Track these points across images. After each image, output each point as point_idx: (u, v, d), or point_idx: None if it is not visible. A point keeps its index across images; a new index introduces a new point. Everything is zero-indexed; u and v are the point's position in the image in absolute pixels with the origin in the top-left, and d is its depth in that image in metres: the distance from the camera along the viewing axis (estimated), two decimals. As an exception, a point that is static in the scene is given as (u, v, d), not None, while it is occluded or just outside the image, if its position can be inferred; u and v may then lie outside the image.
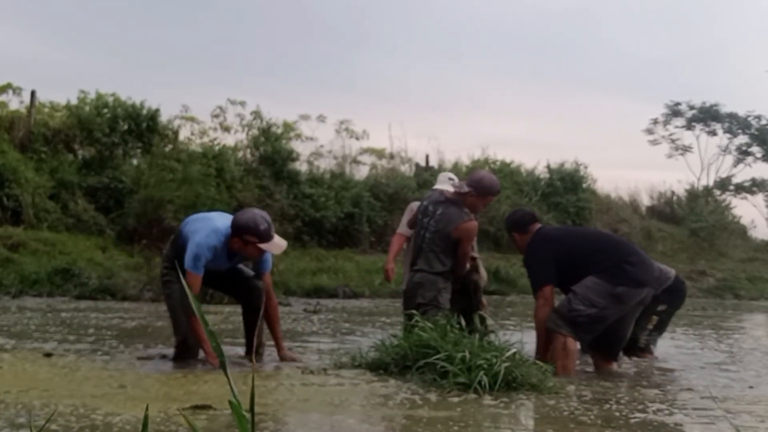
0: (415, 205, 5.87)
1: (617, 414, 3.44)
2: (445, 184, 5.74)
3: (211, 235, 4.40)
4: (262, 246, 4.39)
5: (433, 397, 3.63)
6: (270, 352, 4.88)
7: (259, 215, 4.43)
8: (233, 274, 4.78)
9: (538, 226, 4.95)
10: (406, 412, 3.32)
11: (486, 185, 5.19)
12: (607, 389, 4.13)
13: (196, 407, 3.16)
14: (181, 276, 3.79)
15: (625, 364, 5.16)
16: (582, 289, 4.53)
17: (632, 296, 4.58)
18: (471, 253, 5.17)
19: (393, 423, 3.17)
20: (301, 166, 15.96)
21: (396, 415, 3.27)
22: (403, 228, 5.85)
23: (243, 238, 4.37)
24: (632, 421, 3.32)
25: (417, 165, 18.22)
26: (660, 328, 5.68)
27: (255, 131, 15.85)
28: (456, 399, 3.59)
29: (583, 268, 4.60)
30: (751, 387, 4.41)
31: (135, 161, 14.03)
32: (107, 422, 2.89)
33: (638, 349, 5.52)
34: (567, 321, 4.51)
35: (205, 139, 15.58)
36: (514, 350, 4.07)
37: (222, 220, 4.53)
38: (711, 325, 9.41)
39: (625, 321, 4.71)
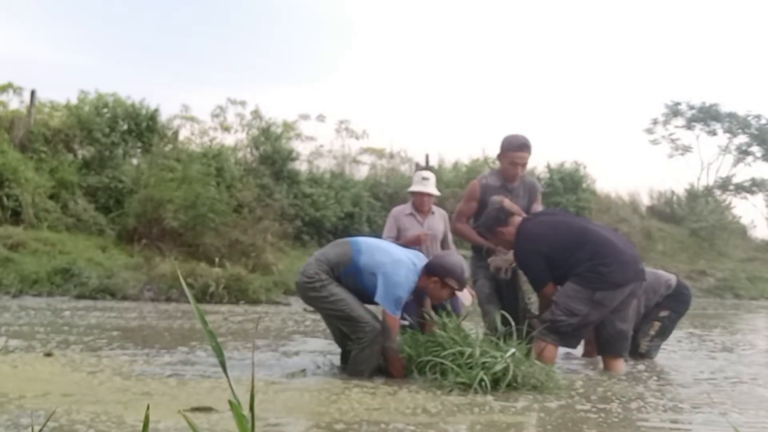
0: (396, 212, 5.74)
1: (682, 416, 3.47)
2: (419, 185, 5.70)
3: (410, 275, 4.27)
4: (460, 295, 4.50)
5: (504, 401, 3.57)
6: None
7: (462, 262, 4.45)
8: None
9: (518, 218, 4.84)
10: (486, 417, 3.23)
11: (504, 142, 5.12)
12: (608, 388, 4.15)
13: (196, 409, 3.12)
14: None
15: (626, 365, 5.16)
16: (563, 299, 4.56)
17: (613, 298, 4.59)
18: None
19: (486, 428, 3.05)
20: (301, 166, 15.96)
21: (476, 422, 3.16)
22: (387, 237, 5.56)
23: (444, 281, 4.32)
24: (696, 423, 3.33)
25: (417, 165, 18.21)
26: (663, 334, 5.66)
27: (255, 131, 15.86)
28: (537, 404, 3.56)
29: (561, 271, 4.62)
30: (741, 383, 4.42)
31: (135, 161, 14.02)
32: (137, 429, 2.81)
33: (639, 355, 5.52)
34: (551, 330, 4.57)
35: (205, 139, 15.61)
36: (513, 350, 4.07)
37: (406, 254, 4.39)
38: (712, 324, 9.42)
39: (621, 314, 4.71)
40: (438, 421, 3.13)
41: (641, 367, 5.14)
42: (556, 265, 4.64)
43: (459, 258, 4.49)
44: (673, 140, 26.10)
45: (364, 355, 4.22)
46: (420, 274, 4.33)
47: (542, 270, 4.69)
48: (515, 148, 5.06)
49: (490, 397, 3.65)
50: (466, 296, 4.62)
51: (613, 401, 3.75)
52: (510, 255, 4.92)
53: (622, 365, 4.83)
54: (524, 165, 5.13)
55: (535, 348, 4.55)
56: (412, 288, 4.27)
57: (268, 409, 3.24)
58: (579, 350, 5.48)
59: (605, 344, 4.83)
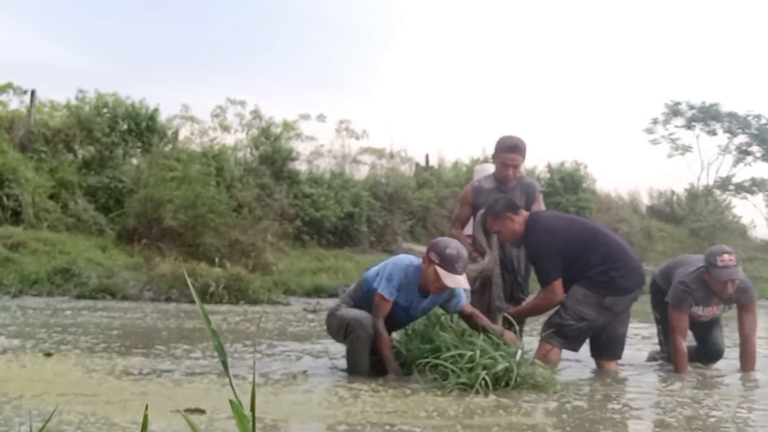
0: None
1: (701, 414, 3.48)
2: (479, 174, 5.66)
3: (404, 259, 4.35)
4: (440, 270, 4.11)
5: (526, 403, 3.54)
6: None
7: (456, 244, 4.25)
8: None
9: (526, 212, 4.77)
10: (505, 419, 3.19)
11: (497, 142, 5.01)
12: (610, 390, 4.14)
13: (187, 410, 3.07)
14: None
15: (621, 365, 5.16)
16: (572, 303, 4.57)
17: (620, 303, 4.63)
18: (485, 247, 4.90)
19: (505, 431, 3.01)
20: (301, 166, 15.97)
21: (495, 423, 3.11)
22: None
23: (429, 256, 4.21)
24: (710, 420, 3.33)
25: (417, 165, 18.22)
26: None
27: (255, 131, 15.86)
28: (557, 406, 3.54)
29: (572, 269, 4.59)
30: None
31: (135, 161, 14.01)
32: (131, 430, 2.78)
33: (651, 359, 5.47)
34: (558, 334, 4.58)
35: (205, 139, 15.61)
36: (520, 351, 4.06)
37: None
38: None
39: (621, 318, 4.76)
40: (455, 423, 3.08)
41: (642, 369, 5.14)
42: (564, 265, 4.60)
43: (453, 240, 4.34)
44: (673, 140, 26.13)
45: (355, 347, 4.24)
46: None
47: (556, 264, 4.58)
48: (506, 150, 4.96)
49: (509, 400, 3.62)
50: (453, 279, 4.18)
51: (632, 402, 3.74)
52: (482, 264, 4.85)
53: (615, 367, 4.83)
54: (516, 167, 5.00)
55: (540, 350, 4.56)
56: (405, 266, 4.28)
57: (269, 411, 3.20)
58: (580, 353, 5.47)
59: (604, 347, 4.83)
